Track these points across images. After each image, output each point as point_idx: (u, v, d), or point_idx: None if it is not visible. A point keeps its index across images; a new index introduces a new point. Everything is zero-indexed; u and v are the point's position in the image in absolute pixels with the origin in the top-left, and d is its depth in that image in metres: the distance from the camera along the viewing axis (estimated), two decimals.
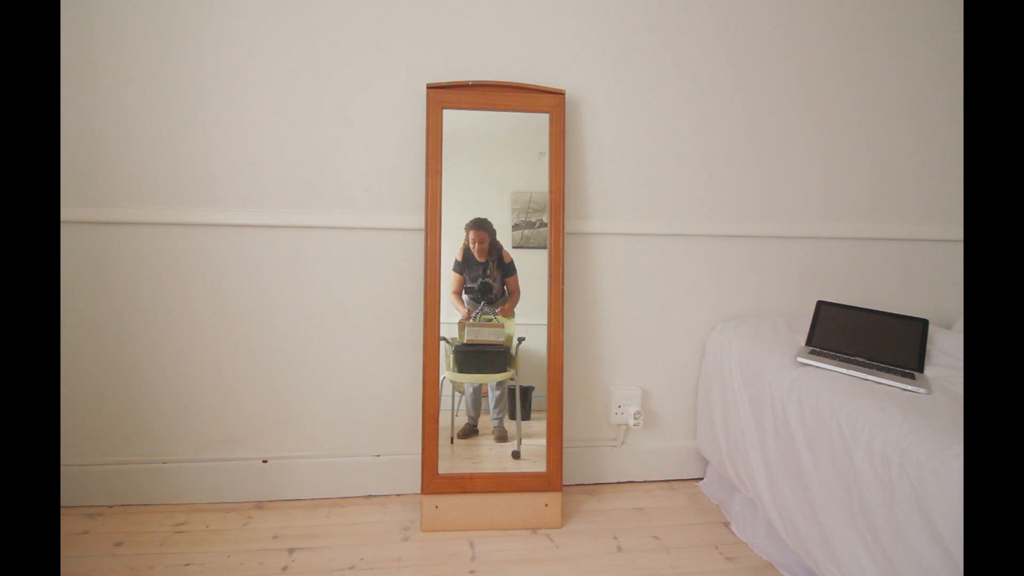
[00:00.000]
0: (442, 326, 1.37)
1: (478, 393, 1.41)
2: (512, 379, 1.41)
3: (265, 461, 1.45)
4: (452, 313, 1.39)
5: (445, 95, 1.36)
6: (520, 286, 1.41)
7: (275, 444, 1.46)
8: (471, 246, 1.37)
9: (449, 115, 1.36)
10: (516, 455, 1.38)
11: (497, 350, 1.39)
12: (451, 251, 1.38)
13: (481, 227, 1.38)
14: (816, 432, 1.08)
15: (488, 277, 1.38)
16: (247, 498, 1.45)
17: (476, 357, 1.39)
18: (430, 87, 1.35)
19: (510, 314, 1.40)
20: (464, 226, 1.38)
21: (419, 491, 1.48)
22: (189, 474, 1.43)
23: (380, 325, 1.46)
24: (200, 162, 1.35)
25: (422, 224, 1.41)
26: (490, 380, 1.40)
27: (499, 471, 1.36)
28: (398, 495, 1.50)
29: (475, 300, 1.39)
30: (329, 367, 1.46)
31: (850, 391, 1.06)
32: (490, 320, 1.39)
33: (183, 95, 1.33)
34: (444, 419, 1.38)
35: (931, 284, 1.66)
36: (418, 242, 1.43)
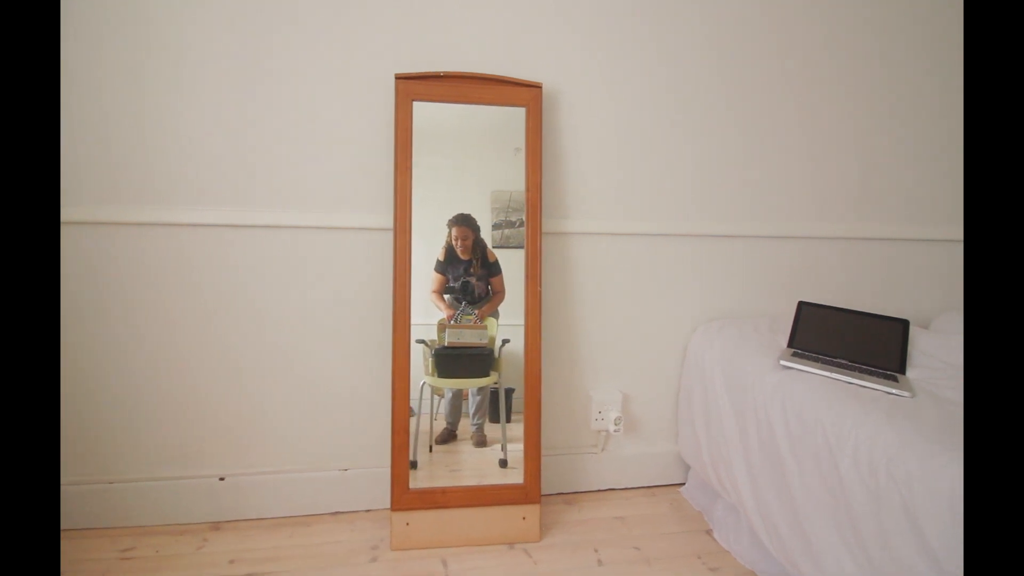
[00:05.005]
0: (422, 328, 1.30)
1: (458, 397, 1.35)
2: (496, 383, 1.34)
3: (222, 478, 1.35)
4: (433, 314, 1.31)
5: (415, 86, 1.28)
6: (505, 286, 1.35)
7: (233, 460, 1.36)
8: (454, 243, 1.31)
9: (422, 108, 1.29)
10: (503, 463, 1.32)
11: (479, 353, 1.32)
12: (421, 251, 1.30)
13: (464, 223, 1.31)
14: (800, 438, 1.05)
15: (471, 276, 1.31)
16: (202, 519, 1.35)
17: (457, 361, 1.32)
18: (399, 77, 1.27)
19: (494, 315, 1.34)
20: (447, 222, 1.31)
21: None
22: (138, 494, 1.32)
23: (349, 331, 1.37)
24: (153, 158, 1.24)
25: (391, 223, 1.33)
26: (472, 385, 1.33)
27: (475, 484, 1.29)
28: (367, 511, 1.42)
29: (457, 300, 1.32)
30: (293, 376, 1.36)
31: (834, 395, 1.03)
32: (471, 321, 1.32)
33: (125, 87, 1.21)
34: (424, 423, 1.31)
35: (910, 283, 1.66)
36: (389, 242, 1.35)
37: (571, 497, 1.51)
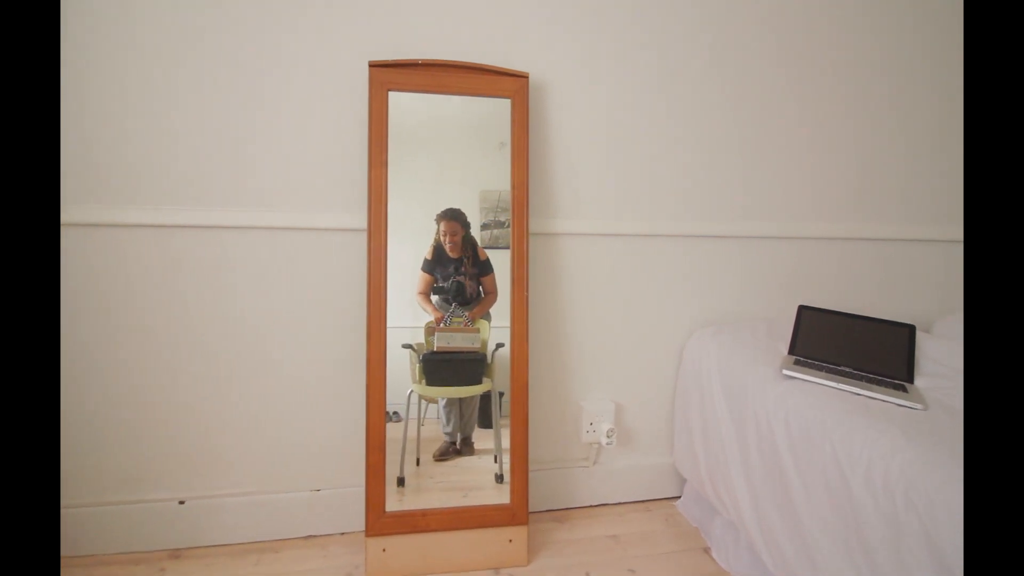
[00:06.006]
0: (408, 331, 1.20)
1: (455, 403, 1.26)
2: (488, 391, 1.26)
3: (182, 502, 1.24)
4: (421, 317, 1.22)
5: (391, 75, 1.18)
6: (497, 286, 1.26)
7: (195, 481, 1.25)
8: (442, 239, 1.22)
9: (401, 99, 1.19)
10: (500, 479, 1.24)
11: (471, 358, 1.23)
12: (407, 253, 1.21)
13: (453, 218, 1.22)
14: (806, 454, 0.97)
15: (462, 275, 1.22)
16: (160, 546, 1.24)
17: (447, 367, 1.22)
18: (373, 65, 1.18)
19: (486, 317, 1.24)
20: (435, 217, 1.22)
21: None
22: (89, 520, 1.21)
23: (322, 339, 1.27)
24: (112, 156, 1.13)
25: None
26: (464, 394, 1.24)
27: (457, 504, 1.20)
28: (342, 534, 1.32)
29: (446, 302, 1.22)
30: (261, 389, 1.26)
31: (842, 408, 0.96)
32: (462, 323, 1.23)
33: (87, 78, 1.10)
34: (411, 430, 1.22)
35: (909, 284, 1.61)
36: (364, 244, 1.26)
37: (561, 514, 1.43)
